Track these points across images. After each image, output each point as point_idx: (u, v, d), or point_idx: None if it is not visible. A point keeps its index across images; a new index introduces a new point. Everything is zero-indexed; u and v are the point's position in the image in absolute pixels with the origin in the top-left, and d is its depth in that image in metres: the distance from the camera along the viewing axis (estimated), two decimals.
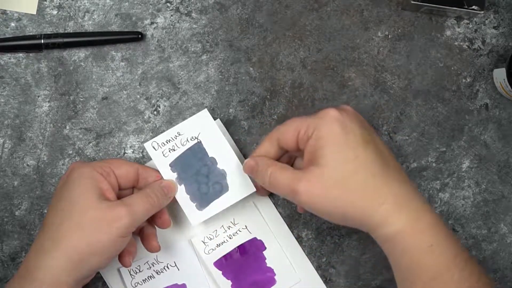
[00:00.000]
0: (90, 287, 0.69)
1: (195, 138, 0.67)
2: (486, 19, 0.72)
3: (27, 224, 0.70)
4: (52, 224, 0.60)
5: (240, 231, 0.70)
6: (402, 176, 0.61)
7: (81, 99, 0.71)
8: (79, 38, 0.70)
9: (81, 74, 0.71)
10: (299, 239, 0.71)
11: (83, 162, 0.64)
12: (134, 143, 0.71)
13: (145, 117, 0.71)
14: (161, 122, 0.71)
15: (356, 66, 0.72)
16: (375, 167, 0.59)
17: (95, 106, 0.71)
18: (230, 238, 0.70)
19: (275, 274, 0.70)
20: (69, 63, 0.71)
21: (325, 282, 0.71)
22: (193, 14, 0.72)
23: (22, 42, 0.70)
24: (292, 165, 0.67)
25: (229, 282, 0.69)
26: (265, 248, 0.70)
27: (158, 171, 0.66)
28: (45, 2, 0.71)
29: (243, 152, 0.71)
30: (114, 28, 0.71)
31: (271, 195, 0.71)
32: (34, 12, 0.71)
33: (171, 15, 0.72)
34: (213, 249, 0.69)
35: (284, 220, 0.71)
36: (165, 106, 0.71)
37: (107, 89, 0.71)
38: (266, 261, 0.70)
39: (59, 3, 0.71)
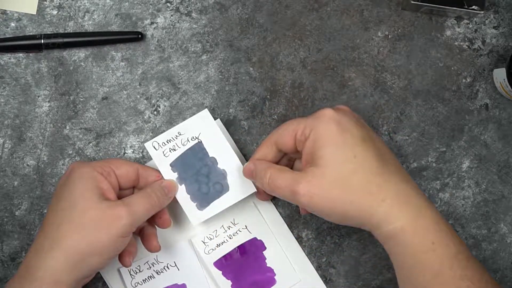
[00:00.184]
0: (90, 287, 0.69)
1: (196, 138, 0.67)
2: (486, 19, 0.72)
3: (27, 224, 0.70)
4: (52, 224, 0.60)
5: (240, 231, 0.70)
6: (402, 174, 0.61)
7: (81, 99, 0.71)
8: (79, 38, 0.70)
9: (81, 74, 0.71)
10: (299, 239, 0.71)
11: (83, 162, 0.64)
12: (134, 143, 0.71)
13: (145, 117, 0.71)
14: (161, 122, 0.71)
15: (356, 66, 0.72)
16: (374, 166, 0.59)
17: (95, 106, 0.71)
18: (230, 238, 0.70)
19: (275, 274, 0.70)
20: (69, 63, 0.71)
21: (325, 282, 0.71)
22: (193, 14, 0.72)
23: (22, 42, 0.70)
24: (292, 167, 0.67)
25: (229, 282, 0.69)
26: (265, 248, 0.70)
27: (158, 171, 0.66)
28: (45, 2, 0.71)
29: (243, 152, 0.71)
30: (114, 28, 0.71)
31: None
32: (34, 12, 0.71)
33: (171, 15, 0.72)
34: (213, 249, 0.69)
35: (284, 220, 0.71)
36: (165, 106, 0.71)
37: (107, 89, 0.71)
38: (266, 261, 0.70)
39: (59, 3, 0.71)
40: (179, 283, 0.69)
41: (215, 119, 0.70)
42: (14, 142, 0.70)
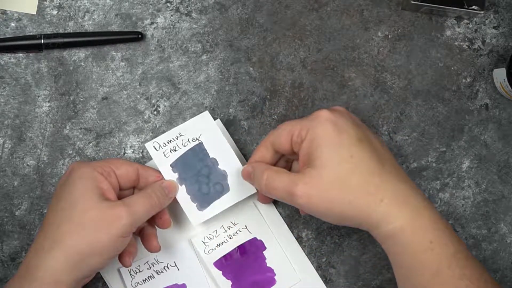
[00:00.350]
0: (90, 287, 0.69)
1: (196, 139, 0.67)
2: (486, 19, 0.72)
3: (27, 224, 0.70)
4: (52, 224, 0.60)
5: (240, 231, 0.70)
6: (400, 173, 0.61)
7: (81, 99, 0.71)
8: (79, 38, 0.70)
9: (81, 74, 0.71)
10: (299, 239, 0.71)
11: (83, 162, 0.64)
12: (134, 143, 0.71)
13: (145, 117, 0.71)
14: (161, 122, 0.71)
15: (356, 66, 0.72)
16: (371, 165, 0.59)
17: (95, 106, 0.71)
18: (230, 238, 0.70)
19: (275, 274, 0.70)
20: (69, 63, 0.71)
21: (325, 282, 0.71)
22: (193, 14, 0.72)
23: (22, 42, 0.70)
24: (290, 169, 0.67)
25: (229, 282, 0.69)
26: (265, 248, 0.70)
27: (158, 171, 0.66)
28: (45, 2, 0.71)
29: (243, 152, 0.71)
30: (114, 28, 0.71)
31: None
32: (34, 12, 0.71)
33: (171, 15, 0.72)
34: (213, 249, 0.69)
35: (284, 220, 0.71)
36: (165, 106, 0.71)
37: (107, 89, 0.71)
38: (266, 261, 0.70)
39: (59, 3, 0.71)
40: (179, 283, 0.69)
41: (215, 119, 0.70)
42: (14, 142, 0.70)
